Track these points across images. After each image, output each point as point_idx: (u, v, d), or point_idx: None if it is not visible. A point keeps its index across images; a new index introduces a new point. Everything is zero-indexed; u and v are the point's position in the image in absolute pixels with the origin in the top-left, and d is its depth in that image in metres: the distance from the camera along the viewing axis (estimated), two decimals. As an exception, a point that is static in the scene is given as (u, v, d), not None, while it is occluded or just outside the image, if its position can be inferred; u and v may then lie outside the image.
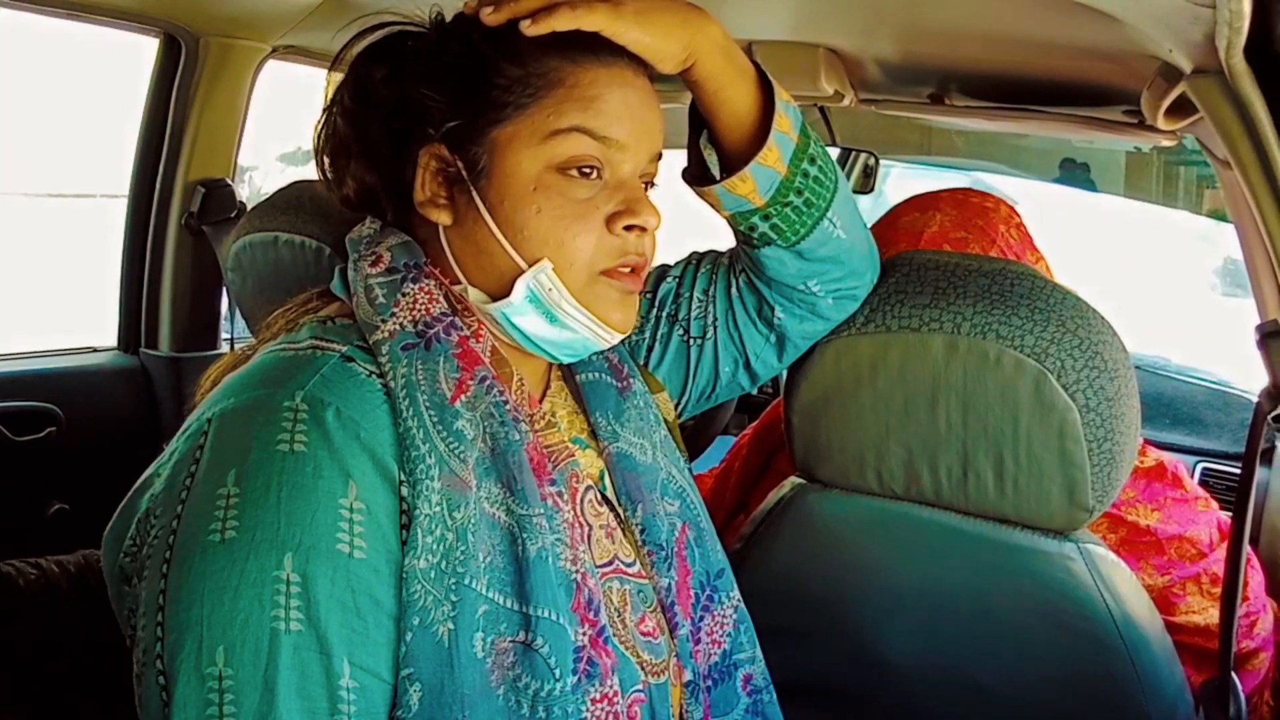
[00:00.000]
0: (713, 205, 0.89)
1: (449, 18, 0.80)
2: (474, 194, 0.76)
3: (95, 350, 1.94)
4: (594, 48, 0.76)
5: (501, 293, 0.76)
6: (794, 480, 1.07)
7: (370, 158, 0.80)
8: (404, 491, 0.69)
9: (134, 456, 1.66)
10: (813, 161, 0.87)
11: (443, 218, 0.78)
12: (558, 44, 0.75)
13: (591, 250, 0.76)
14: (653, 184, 0.82)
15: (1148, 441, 1.11)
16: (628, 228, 0.77)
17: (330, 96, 0.82)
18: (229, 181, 1.84)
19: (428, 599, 0.68)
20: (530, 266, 0.75)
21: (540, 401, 0.84)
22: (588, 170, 0.76)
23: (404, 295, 0.76)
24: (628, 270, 0.78)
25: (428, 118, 0.76)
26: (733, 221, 0.89)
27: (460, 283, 0.78)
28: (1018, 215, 1.16)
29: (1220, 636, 0.94)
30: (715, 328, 0.95)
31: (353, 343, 0.74)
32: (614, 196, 0.77)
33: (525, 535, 0.72)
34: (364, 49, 0.80)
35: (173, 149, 1.82)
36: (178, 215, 1.84)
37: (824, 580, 1.04)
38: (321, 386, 0.69)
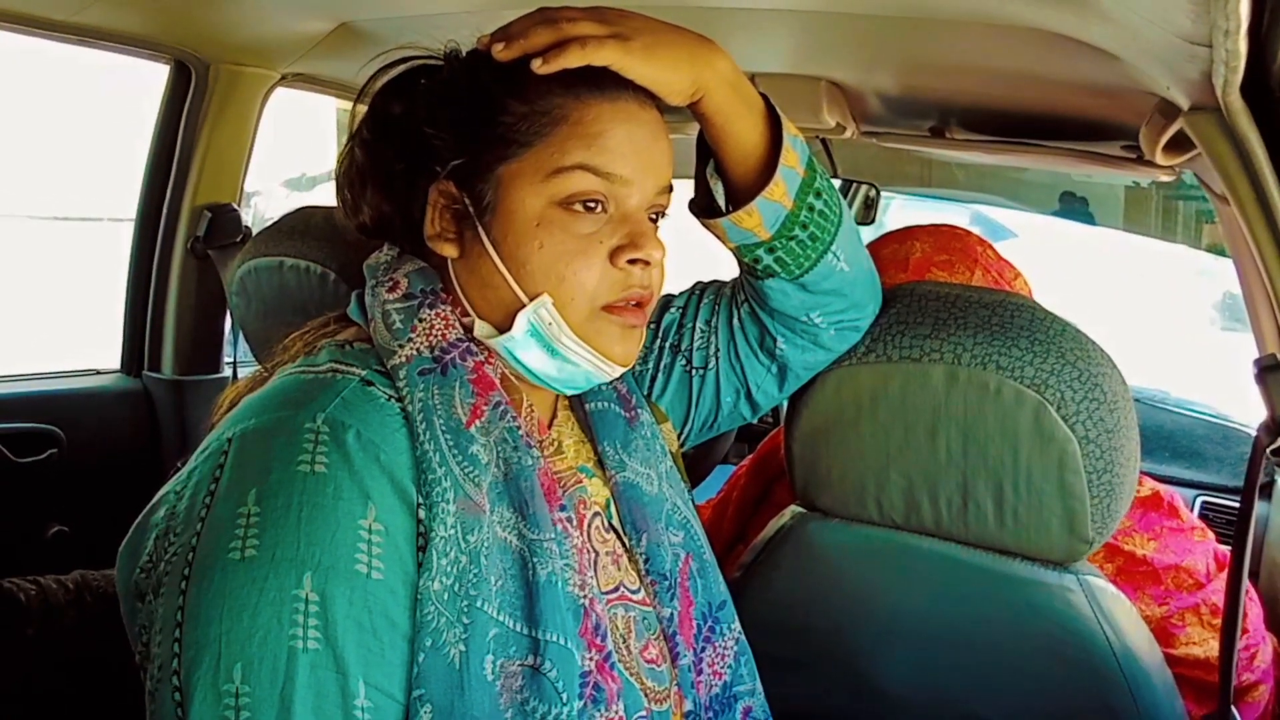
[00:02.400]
0: (718, 237, 0.89)
1: (464, 51, 0.81)
2: (479, 229, 0.77)
3: (98, 372, 1.93)
4: (599, 83, 0.76)
5: (506, 326, 0.77)
6: (794, 509, 1.07)
7: (386, 189, 0.80)
8: (421, 514, 0.70)
9: (135, 479, 1.66)
10: (818, 196, 0.87)
11: (450, 251, 0.78)
12: (563, 79, 0.75)
13: (594, 284, 0.76)
14: (663, 215, 0.82)
15: (1144, 473, 1.12)
16: (631, 261, 0.77)
17: (353, 127, 0.82)
18: (235, 206, 1.85)
19: (440, 620, 0.68)
20: (532, 301, 0.76)
21: (548, 428, 0.84)
22: (592, 205, 0.76)
23: (421, 321, 0.77)
24: (632, 304, 0.79)
25: (435, 156, 0.77)
26: (737, 253, 0.90)
27: (469, 315, 0.79)
28: (986, 241, 1.19)
29: (1220, 670, 0.94)
30: (717, 358, 0.96)
31: (371, 367, 0.75)
32: (618, 230, 0.77)
33: (536, 560, 0.72)
34: (385, 84, 0.81)
35: (180, 173, 1.83)
36: (183, 239, 1.85)
37: (823, 610, 1.04)
38: (342, 409, 0.70)
